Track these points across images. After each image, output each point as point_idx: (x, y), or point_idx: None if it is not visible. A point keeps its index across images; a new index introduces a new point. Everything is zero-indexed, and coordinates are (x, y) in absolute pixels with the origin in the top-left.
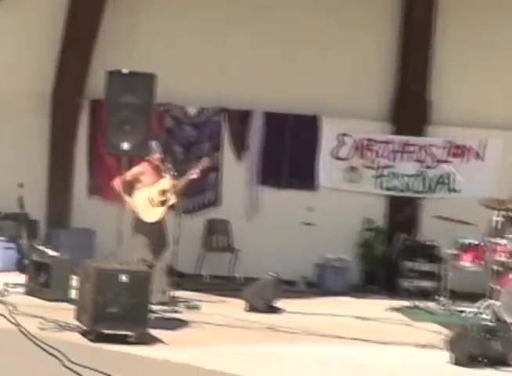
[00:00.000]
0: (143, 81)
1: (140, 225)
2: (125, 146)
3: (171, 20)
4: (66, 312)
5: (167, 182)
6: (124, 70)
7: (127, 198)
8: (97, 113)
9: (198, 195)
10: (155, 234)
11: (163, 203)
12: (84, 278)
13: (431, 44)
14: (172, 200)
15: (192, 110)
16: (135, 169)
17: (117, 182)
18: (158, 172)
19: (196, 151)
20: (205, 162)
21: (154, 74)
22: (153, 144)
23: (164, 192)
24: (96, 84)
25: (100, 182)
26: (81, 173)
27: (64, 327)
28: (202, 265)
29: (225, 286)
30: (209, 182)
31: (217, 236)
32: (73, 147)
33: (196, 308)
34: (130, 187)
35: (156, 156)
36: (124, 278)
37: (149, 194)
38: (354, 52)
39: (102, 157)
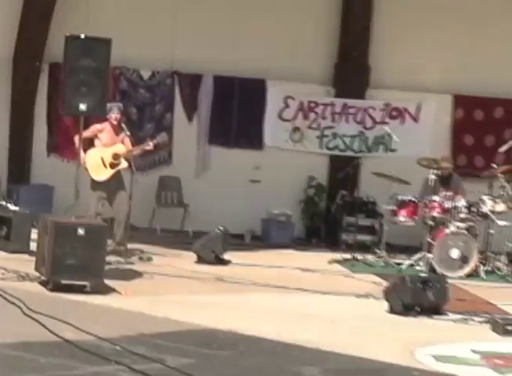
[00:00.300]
0: (99, 46)
1: (96, 181)
2: (82, 106)
3: None
4: (26, 263)
5: (122, 147)
6: (82, 35)
7: (82, 154)
8: (56, 76)
9: (151, 153)
10: (110, 189)
11: (113, 165)
12: (42, 231)
13: (371, 12)
14: (123, 165)
15: (145, 74)
16: (95, 126)
17: (76, 138)
18: (117, 132)
19: (149, 112)
20: (162, 138)
21: (109, 38)
22: (114, 105)
23: (117, 155)
24: (56, 48)
25: (59, 142)
26: (40, 133)
27: (24, 277)
28: (154, 220)
29: (176, 239)
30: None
31: (168, 192)
32: (33, 108)
33: (148, 260)
34: (89, 144)
35: (115, 116)
36: (80, 231)
37: (103, 154)
38: (298, 18)
39: (61, 117)
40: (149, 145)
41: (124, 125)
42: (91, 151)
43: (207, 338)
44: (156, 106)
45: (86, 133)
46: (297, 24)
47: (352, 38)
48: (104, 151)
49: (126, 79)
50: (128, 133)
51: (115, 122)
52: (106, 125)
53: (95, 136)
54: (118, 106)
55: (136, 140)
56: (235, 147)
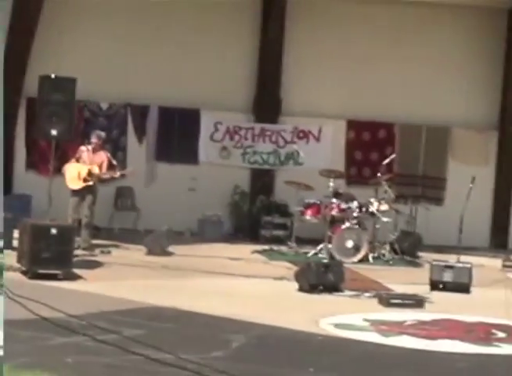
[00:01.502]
0: (67, 83)
1: (72, 190)
2: (53, 132)
3: (92, 29)
4: (10, 257)
5: (96, 168)
6: (52, 75)
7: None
8: (32, 108)
9: (109, 174)
10: (81, 197)
11: (85, 180)
12: (23, 231)
13: (283, 53)
14: (92, 182)
15: (104, 105)
16: (80, 148)
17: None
18: (95, 154)
19: (108, 136)
20: (130, 171)
21: (75, 78)
22: (94, 132)
23: (91, 173)
24: (32, 85)
25: (35, 160)
26: (20, 153)
27: (8, 268)
28: (113, 221)
29: (130, 236)
30: (118, 160)
31: (124, 198)
32: (14, 134)
33: (108, 252)
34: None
35: (93, 141)
36: (53, 231)
37: (81, 170)
38: (224, 59)
39: (36, 141)
40: (117, 174)
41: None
42: (72, 164)
43: (155, 313)
44: (113, 131)
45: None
46: (226, 65)
47: (267, 76)
48: (82, 167)
49: (88, 110)
50: (109, 155)
51: (92, 146)
52: (87, 148)
53: (79, 156)
54: (97, 134)
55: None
56: (176, 163)
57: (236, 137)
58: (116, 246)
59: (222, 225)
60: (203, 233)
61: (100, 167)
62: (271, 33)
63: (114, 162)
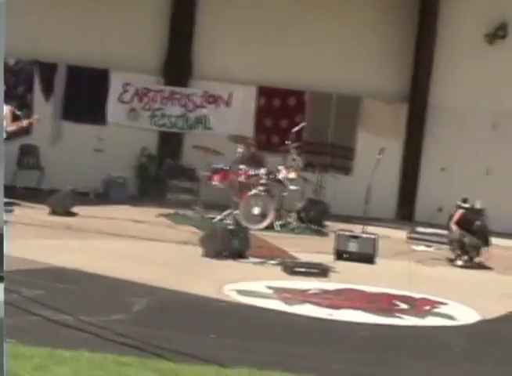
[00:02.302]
0: None
1: None
2: None
3: None
4: None
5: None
6: None
7: None
8: None
9: (16, 125)
10: None
11: None
12: None
13: (195, 15)
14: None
15: (11, 61)
16: None
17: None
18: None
19: (13, 93)
20: (36, 118)
21: None
22: None
23: None
24: None
25: None
26: None
27: None
28: (16, 179)
29: (33, 195)
30: (23, 116)
31: (28, 157)
32: None
33: (10, 211)
34: None
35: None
36: None
37: None
38: (135, 20)
39: None
40: (24, 123)
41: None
42: None
43: (57, 274)
44: (19, 88)
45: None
46: (137, 25)
47: (178, 38)
48: None
49: None
50: (11, 107)
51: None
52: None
53: None
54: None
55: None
56: (83, 122)
57: (145, 99)
58: (18, 205)
59: (128, 187)
60: (107, 194)
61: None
62: None
63: (18, 113)
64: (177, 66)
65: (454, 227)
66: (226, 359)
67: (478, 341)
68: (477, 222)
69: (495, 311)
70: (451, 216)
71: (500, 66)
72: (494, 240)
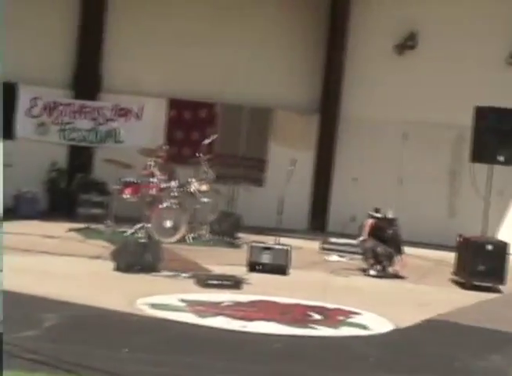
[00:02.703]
0: None
1: None
2: None
3: None
4: None
5: None
6: None
7: None
8: None
9: None
10: None
11: None
12: None
13: (104, 28)
14: None
15: None
16: None
17: None
18: None
19: None
20: None
21: None
22: None
23: None
24: None
25: None
26: None
27: None
28: None
29: None
30: None
31: None
32: None
33: None
34: None
35: None
36: None
37: None
38: (44, 33)
39: None
40: None
41: None
42: None
43: None
44: None
45: None
46: (45, 39)
47: (87, 51)
48: None
49: None
50: None
51: None
52: None
53: None
54: None
55: None
56: None
57: (55, 113)
58: None
59: (38, 202)
60: (17, 209)
61: None
62: (92, 7)
63: None
64: (86, 80)
65: (366, 237)
66: (139, 374)
67: (392, 351)
68: (389, 231)
69: (408, 320)
70: (362, 226)
71: (410, 77)
72: (407, 249)
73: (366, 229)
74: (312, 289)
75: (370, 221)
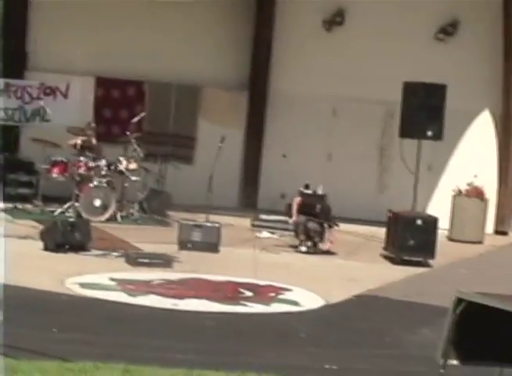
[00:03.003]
0: None
1: None
2: None
3: None
4: None
5: None
6: None
7: None
8: None
9: None
10: None
11: None
12: None
13: (28, 4)
14: None
15: None
16: None
17: None
18: None
19: None
20: None
21: None
22: None
23: None
24: None
25: None
26: None
27: None
28: None
29: None
30: None
31: None
32: None
33: None
34: None
35: None
36: None
37: None
38: None
39: None
40: None
41: None
42: None
43: None
44: None
45: None
46: None
47: (12, 29)
48: None
49: None
50: None
51: None
52: None
53: None
54: None
55: None
56: None
57: None
58: None
59: None
60: None
61: None
62: None
63: None
64: (11, 58)
65: (296, 213)
66: (69, 354)
67: (323, 326)
68: (318, 205)
69: (339, 295)
70: (290, 204)
71: (339, 53)
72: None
73: (295, 208)
74: (243, 266)
75: (297, 199)
